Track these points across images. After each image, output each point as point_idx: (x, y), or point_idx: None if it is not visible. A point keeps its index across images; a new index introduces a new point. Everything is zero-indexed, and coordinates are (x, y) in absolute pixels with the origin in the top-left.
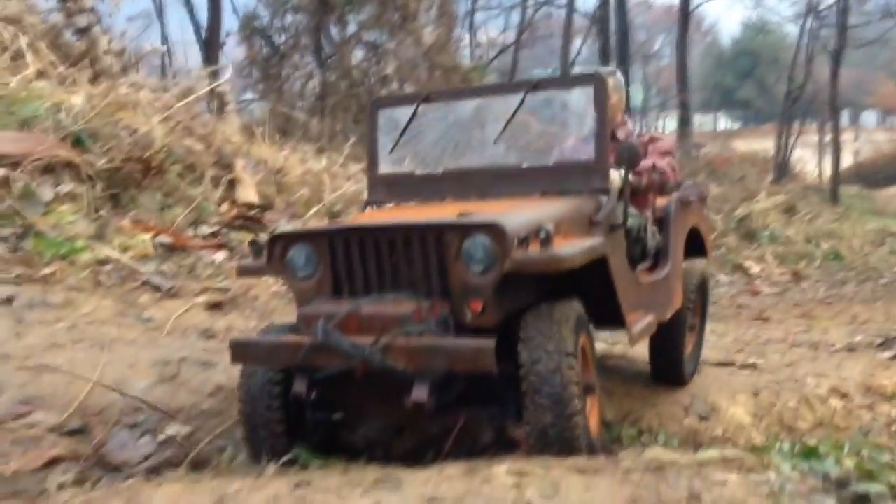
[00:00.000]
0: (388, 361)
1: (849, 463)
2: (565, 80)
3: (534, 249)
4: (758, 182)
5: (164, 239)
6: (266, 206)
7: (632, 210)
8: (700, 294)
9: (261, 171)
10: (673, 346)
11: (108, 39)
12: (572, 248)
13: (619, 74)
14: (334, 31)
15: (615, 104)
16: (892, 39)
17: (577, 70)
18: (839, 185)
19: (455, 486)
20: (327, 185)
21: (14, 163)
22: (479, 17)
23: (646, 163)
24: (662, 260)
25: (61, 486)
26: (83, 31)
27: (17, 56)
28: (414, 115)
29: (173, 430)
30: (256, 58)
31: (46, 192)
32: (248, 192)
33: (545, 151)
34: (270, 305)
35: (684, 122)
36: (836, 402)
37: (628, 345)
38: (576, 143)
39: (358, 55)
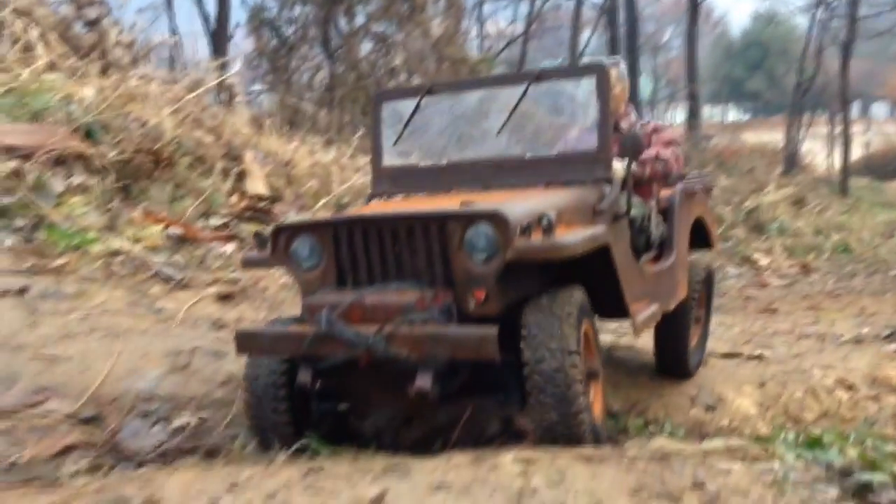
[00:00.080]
0: (391, 350)
1: (852, 452)
2: (568, 71)
3: (536, 238)
4: (767, 174)
5: (175, 230)
6: (275, 198)
7: (635, 200)
8: (705, 286)
9: (270, 163)
10: (678, 339)
11: (118, 31)
12: (574, 236)
13: (622, 65)
14: (342, 22)
15: (618, 94)
16: None
17: (584, 61)
18: (849, 177)
19: (462, 473)
20: (336, 176)
21: (26, 154)
22: (487, 8)
23: (649, 152)
24: (667, 250)
25: (75, 474)
26: (93, 23)
27: (28, 48)
28: (417, 107)
29: (185, 418)
30: (265, 49)
31: (58, 184)
32: (258, 184)
33: (549, 142)
34: (280, 296)
35: (693, 114)
36: (842, 394)
37: (633, 335)
38: (579, 133)
39: (366, 47)
